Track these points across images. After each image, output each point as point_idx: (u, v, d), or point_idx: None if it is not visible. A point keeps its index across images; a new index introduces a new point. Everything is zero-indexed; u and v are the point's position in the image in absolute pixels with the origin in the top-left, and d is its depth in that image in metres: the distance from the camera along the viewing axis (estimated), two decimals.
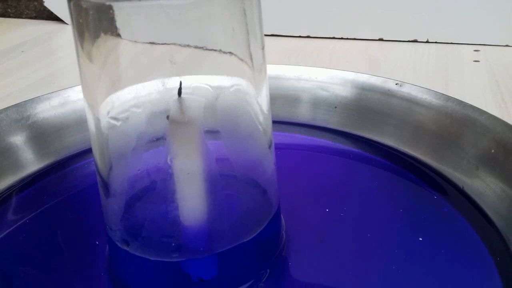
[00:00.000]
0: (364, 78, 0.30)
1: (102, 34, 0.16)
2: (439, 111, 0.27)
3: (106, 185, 0.19)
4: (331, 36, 0.55)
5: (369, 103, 0.30)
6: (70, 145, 0.29)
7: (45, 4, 0.64)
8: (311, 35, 0.55)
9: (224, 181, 0.19)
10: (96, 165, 0.19)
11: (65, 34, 0.60)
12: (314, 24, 0.54)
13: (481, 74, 0.43)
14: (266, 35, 0.19)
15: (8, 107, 0.28)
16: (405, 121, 0.28)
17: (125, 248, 0.19)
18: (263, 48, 0.19)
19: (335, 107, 0.31)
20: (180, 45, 0.16)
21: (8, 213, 0.25)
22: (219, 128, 0.18)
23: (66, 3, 0.16)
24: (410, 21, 0.51)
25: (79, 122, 0.29)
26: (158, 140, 0.19)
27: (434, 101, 0.27)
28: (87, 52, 0.17)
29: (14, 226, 0.24)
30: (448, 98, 0.27)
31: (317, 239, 0.23)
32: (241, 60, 0.18)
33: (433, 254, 0.21)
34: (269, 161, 0.21)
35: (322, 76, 0.31)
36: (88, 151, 0.29)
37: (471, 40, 0.51)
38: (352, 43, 0.53)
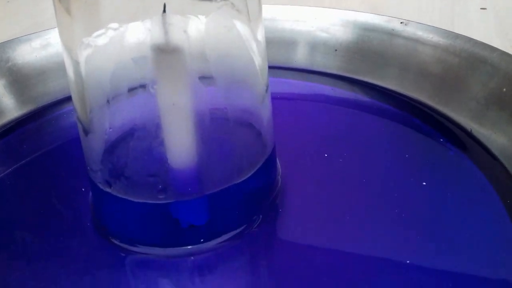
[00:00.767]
0: (367, 17, 0.28)
1: None
2: (447, 50, 0.25)
3: (85, 124, 0.17)
4: None
5: (372, 45, 0.28)
6: (52, 90, 0.27)
7: None
8: None
9: (215, 119, 0.18)
10: (75, 109, 0.18)
11: None
12: None
13: (488, 22, 0.41)
14: None
15: None
16: (409, 63, 0.27)
17: (108, 190, 0.18)
18: None
19: (335, 50, 0.29)
20: None
21: None
22: (212, 72, 0.17)
23: None
24: None
25: (63, 66, 0.27)
26: (143, 79, 0.17)
27: (442, 40, 0.25)
28: None
29: None
30: (457, 35, 0.25)
31: (314, 185, 0.21)
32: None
33: (438, 198, 0.20)
34: (265, 104, 0.19)
35: (321, 17, 0.29)
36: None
37: None
38: None
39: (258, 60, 0.18)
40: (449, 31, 0.25)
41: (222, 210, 0.19)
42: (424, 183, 0.21)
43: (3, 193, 0.22)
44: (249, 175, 0.18)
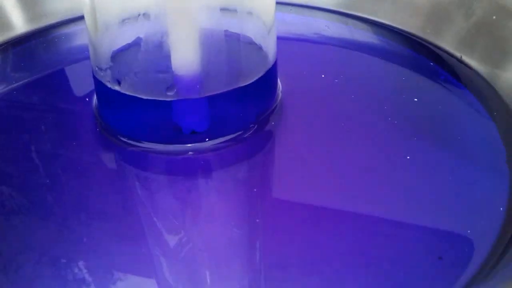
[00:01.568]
0: None
1: None
2: None
3: (95, 20, 0.18)
4: None
5: None
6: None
7: None
8: None
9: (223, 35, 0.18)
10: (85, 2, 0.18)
11: None
12: None
13: None
14: None
15: None
16: None
17: (116, 88, 0.18)
18: None
19: None
20: None
21: None
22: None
23: None
24: None
25: None
26: None
27: None
28: None
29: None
30: None
31: (312, 104, 0.22)
32: None
33: (429, 113, 0.21)
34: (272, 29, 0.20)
35: None
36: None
37: None
38: None
39: None
40: None
41: (222, 113, 0.19)
42: (416, 99, 0.22)
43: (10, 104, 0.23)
44: (249, 82, 0.19)
